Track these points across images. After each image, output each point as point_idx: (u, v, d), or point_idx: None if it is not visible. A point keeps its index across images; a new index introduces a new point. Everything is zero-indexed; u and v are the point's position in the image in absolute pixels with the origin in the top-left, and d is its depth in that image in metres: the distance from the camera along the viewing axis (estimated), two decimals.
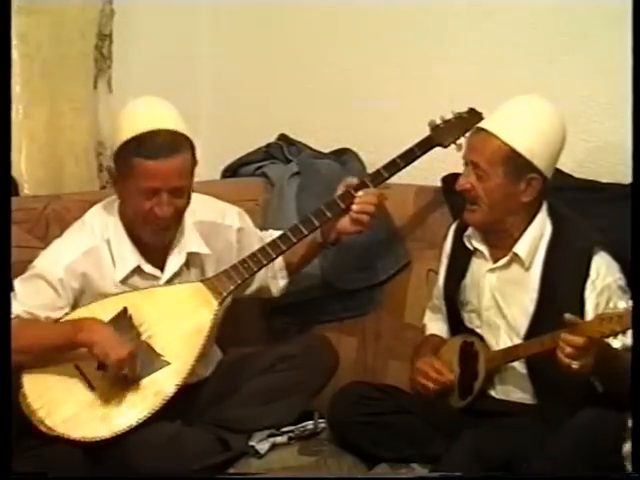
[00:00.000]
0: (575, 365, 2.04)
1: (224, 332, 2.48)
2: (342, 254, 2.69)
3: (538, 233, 2.31)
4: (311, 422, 2.47)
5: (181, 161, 2.22)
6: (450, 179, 2.75)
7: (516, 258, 2.32)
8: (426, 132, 2.57)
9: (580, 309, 2.21)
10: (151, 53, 3.04)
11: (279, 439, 2.41)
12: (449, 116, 2.55)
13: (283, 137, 3.02)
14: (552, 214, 2.34)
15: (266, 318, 2.77)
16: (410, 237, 2.78)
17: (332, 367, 2.52)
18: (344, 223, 2.46)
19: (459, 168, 2.72)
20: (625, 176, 2.38)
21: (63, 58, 2.79)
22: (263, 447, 2.37)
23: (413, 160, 2.54)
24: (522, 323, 2.30)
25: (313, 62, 3.09)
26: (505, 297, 2.35)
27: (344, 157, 2.92)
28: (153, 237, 2.29)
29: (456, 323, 2.46)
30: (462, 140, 2.56)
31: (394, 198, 2.67)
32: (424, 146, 2.55)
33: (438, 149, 2.62)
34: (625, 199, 2.17)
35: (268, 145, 3.00)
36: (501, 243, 2.35)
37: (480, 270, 2.39)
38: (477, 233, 2.40)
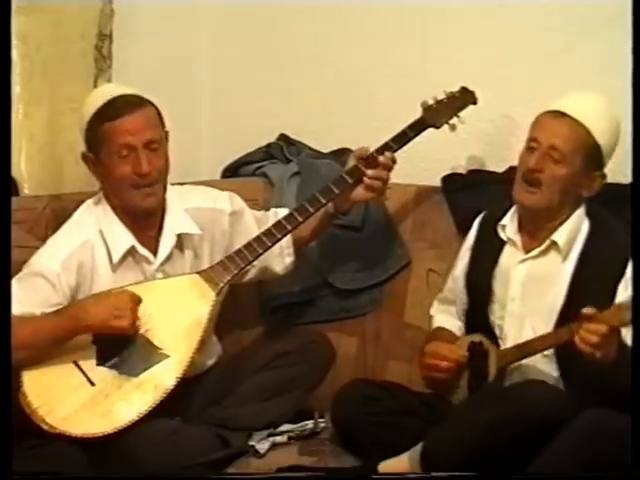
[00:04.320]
0: (599, 354, 2.06)
1: (224, 331, 2.47)
2: (342, 254, 2.69)
3: (576, 227, 2.32)
4: (311, 422, 2.47)
5: (146, 114, 2.31)
6: (450, 179, 2.76)
7: (554, 246, 2.32)
8: (425, 131, 2.57)
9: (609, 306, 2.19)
10: (151, 53, 3.03)
11: (279, 439, 2.41)
12: (441, 96, 2.54)
13: (283, 137, 3.02)
14: (590, 213, 2.34)
15: (266, 317, 2.77)
16: (410, 237, 2.78)
17: (329, 362, 2.52)
18: (358, 191, 2.47)
19: (459, 167, 2.73)
20: (625, 176, 2.37)
21: (63, 58, 2.78)
22: (263, 447, 2.37)
23: (406, 142, 2.52)
24: (551, 315, 2.30)
25: (313, 62, 3.08)
26: (534, 288, 2.34)
27: (344, 157, 2.90)
28: (143, 201, 2.31)
29: (476, 313, 2.44)
30: (455, 120, 2.55)
31: (394, 198, 2.67)
32: (416, 128, 2.54)
33: (437, 149, 2.62)
34: (625, 199, 2.17)
35: (268, 145, 3.00)
36: (537, 233, 2.34)
37: (510, 260, 2.38)
38: (513, 223, 2.38)
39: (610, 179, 2.56)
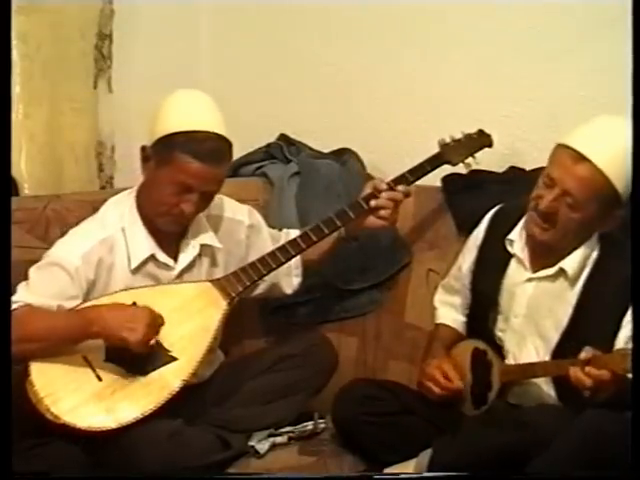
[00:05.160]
0: (596, 395, 2.06)
1: (225, 332, 2.47)
2: (342, 254, 2.69)
3: (587, 254, 2.26)
4: (311, 422, 2.47)
5: (223, 170, 2.28)
6: (450, 179, 2.75)
7: (562, 273, 2.28)
8: (426, 132, 2.59)
9: (614, 333, 2.19)
10: (151, 53, 3.04)
11: (279, 439, 2.41)
12: (458, 135, 2.56)
13: (283, 137, 3.02)
14: (602, 236, 2.27)
15: (267, 318, 2.77)
16: (410, 237, 2.78)
17: (332, 366, 2.53)
18: (372, 218, 2.48)
19: (458, 168, 2.73)
20: None
21: (63, 58, 2.79)
22: (263, 447, 2.37)
23: (422, 176, 2.54)
24: (553, 336, 2.28)
25: (313, 62, 3.08)
26: (539, 308, 2.30)
27: (344, 157, 2.92)
28: (169, 227, 2.31)
29: (480, 318, 2.42)
30: (470, 160, 2.57)
31: None
32: (433, 163, 2.56)
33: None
34: None
35: (268, 145, 3.00)
36: (546, 254, 2.29)
37: (516, 277, 2.34)
38: (521, 239, 2.34)
39: None
